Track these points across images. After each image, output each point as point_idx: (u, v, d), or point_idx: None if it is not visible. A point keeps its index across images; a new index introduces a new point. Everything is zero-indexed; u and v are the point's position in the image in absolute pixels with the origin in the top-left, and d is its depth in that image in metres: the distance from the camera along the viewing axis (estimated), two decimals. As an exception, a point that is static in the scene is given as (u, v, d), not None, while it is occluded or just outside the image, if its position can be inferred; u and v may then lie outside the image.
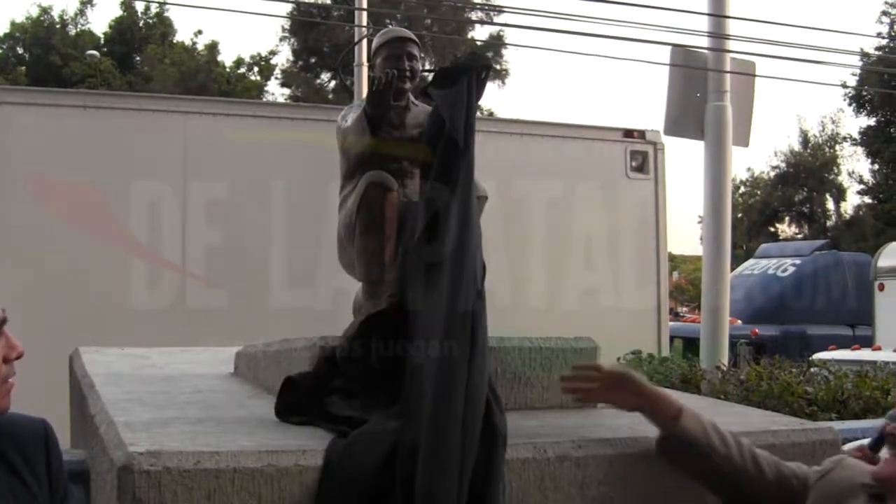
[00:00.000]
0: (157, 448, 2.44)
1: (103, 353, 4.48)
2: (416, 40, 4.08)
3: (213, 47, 38.73)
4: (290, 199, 8.63)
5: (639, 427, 2.87)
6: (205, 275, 8.41)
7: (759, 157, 75.08)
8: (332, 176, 4.26)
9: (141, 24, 41.02)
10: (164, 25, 40.72)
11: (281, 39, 33.14)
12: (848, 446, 3.11)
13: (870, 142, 37.44)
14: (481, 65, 2.94)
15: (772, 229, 42.57)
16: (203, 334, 7.69)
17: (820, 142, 42.23)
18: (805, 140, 42.52)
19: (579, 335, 3.53)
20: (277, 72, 37.20)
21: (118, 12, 40.39)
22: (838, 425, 3.24)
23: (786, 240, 37.57)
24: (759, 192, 44.30)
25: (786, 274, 19.20)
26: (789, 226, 43.57)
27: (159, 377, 3.91)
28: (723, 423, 2.86)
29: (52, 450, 2.35)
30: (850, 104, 37.32)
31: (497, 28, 28.78)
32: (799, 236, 40.47)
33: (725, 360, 8.12)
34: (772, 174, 43.49)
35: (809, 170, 41.43)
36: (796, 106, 78.00)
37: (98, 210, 8.18)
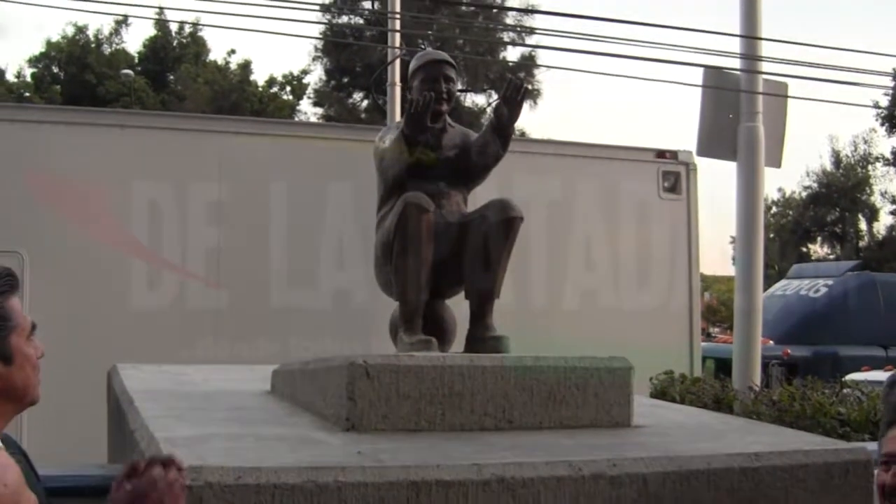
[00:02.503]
0: (199, 463, 2.48)
1: (140, 369, 4.54)
2: (453, 63, 4.12)
3: (245, 66, 39.01)
4: (321, 215, 8.64)
5: (673, 446, 2.88)
6: (241, 293, 8.44)
7: (791, 177, 74.52)
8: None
9: (175, 43, 41.43)
10: (197, 45, 41.09)
11: (314, 59, 33.15)
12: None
13: (902, 161, 37.20)
14: None
15: (804, 249, 42.32)
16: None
17: (852, 162, 41.97)
18: (837, 160, 42.28)
19: (613, 355, 3.55)
20: (310, 91, 37.37)
21: (152, 32, 40.83)
22: (871, 446, 3.24)
23: (818, 260, 37.31)
24: (791, 213, 44.08)
25: (818, 294, 19.04)
26: (821, 246, 43.33)
27: (198, 394, 3.96)
28: (756, 443, 2.87)
29: (30, 460, 2.35)
30: (882, 124, 37.03)
31: (529, 49, 28.75)
32: (831, 256, 40.20)
33: (758, 380, 8.08)
34: (804, 194, 43.28)
35: (842, 190, 41.16)
36: (828, 126, 77.33)
37: (131, 227, 8.26)
